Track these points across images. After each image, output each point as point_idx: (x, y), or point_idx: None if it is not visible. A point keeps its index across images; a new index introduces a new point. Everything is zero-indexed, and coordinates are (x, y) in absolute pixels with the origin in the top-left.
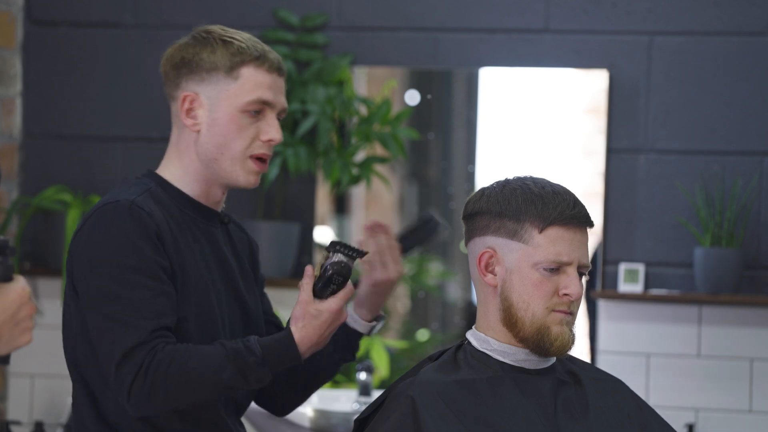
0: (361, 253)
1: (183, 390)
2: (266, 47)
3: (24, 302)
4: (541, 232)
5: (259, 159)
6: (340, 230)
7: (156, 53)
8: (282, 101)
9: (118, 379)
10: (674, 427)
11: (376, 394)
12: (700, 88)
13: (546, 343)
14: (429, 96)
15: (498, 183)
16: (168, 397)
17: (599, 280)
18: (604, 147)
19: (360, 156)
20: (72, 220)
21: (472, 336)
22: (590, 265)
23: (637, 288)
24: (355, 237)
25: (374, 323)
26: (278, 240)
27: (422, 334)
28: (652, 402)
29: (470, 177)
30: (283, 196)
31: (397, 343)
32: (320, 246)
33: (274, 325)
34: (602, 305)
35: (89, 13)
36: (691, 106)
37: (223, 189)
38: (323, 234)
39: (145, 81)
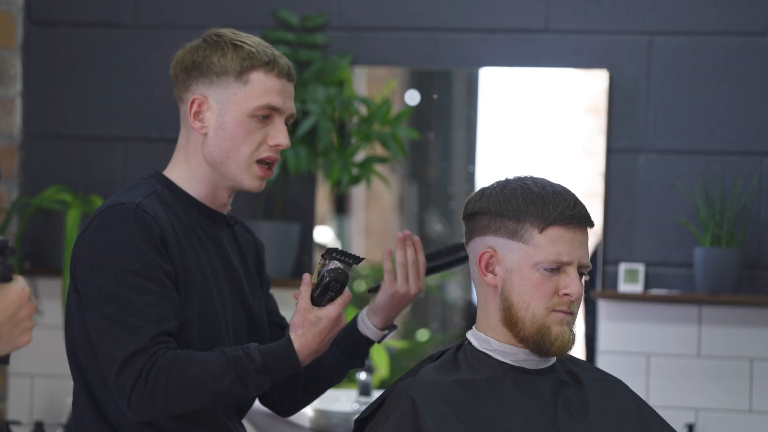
0: (358, 260)
1: (183, 396)
2: (276, 52)
3: (23, 302)
4: (541, 232)
5: (266, 164)
6: (340, 230)
7: (156, 53)
8: (290, 107)
9: (118, 384)
10: (674, 427)
11: (376, 394)
12: (700, 88)
13: (546, 343)
14: (435, 96)
15: (498, 183)
16: (168, 402)
17: (599, 280)
18: (604, 147)
19: (360, 156)
20: (72, 220)
21: (472, 336)
22: (590, 265)
23: (637, 288)
24: (355, 237)
25: (386, 332)
26: (278, 240)
27: (422, 334)
28: (652, 402)
29: (470, 177)
30: (283, 196)
31: (397, 343)
32: (320, 246)
33: (279, 326)
34: (602, 305)
35: (89, 13)
36: (691, 106)
37: (229, 192)
38: (323, 234)
39: (145, 81)
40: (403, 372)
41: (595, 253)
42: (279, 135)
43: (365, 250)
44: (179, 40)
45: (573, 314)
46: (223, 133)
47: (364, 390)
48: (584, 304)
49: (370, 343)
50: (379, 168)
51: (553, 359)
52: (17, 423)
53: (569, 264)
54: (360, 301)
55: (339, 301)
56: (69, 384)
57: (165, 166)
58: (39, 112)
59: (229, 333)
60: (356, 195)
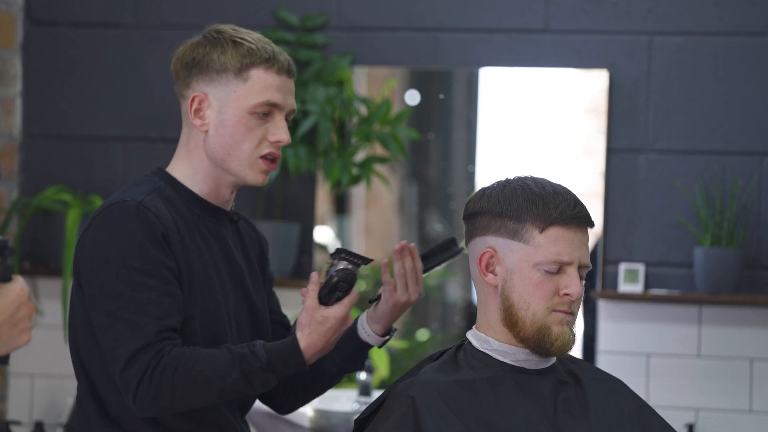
0: (366, 260)
1: (188, 393)
2: (276, 48)
3: (23, 302)
4: (541, 232)
5: (269, 159)
6: (340, 230)
7: (156, 53)
8: (291, 103)
9: (124, 381)
10: (674, 427)
11: (376, 394)
12: (700, 88)
13: (546, 343)
14: (441, 96)
15: (498, 183)
16: (173, 400)
17: (599, 280)
18: (604, 147)
19: (360, 156)
20: (72, 220)
21: (472, 336)
22: (590, 265)
23: (637, 288)
24: (355, 237)
25: (387, 337)
26: (278, 240)
27: (422, 334)
28: (652, 402)
29: (470, 177)
30: (283, 196)
31: (397, 343)
32: (320, 246)
33: (282, 324)
34: (602, 305)
35: (89, 13)
36: (691, 106)
37: (232, 188)
38: (323, 234)
39: (145, 81)
40: (403, 372)
41: (595, 253)
42: (279, 131)
43: (365, 250)
44: (179, 40)
45: (573, 314)
46: (223, 131)
47: (364, 390)
48: (584, 304)
49: (370, 347)
50: (379, 168)
51: (554, 359)
52: (17, 423)
53: (569, 264)
54: (363, 301)
55: (346, 301)
56: (69, 384)
57: (165, 166)
58: (39, 112)
59: (232, 329)
60: (356, 195)
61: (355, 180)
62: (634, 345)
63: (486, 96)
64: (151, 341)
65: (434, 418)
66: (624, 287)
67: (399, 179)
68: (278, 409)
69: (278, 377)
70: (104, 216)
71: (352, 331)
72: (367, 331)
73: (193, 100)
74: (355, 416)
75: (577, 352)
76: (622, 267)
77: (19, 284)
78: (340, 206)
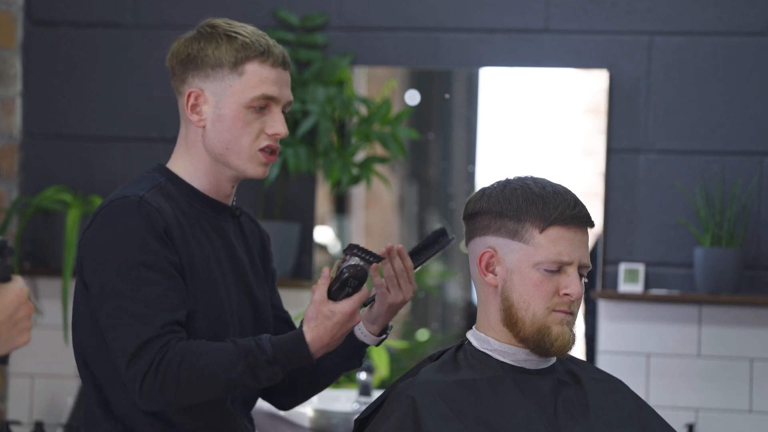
0: (378, 258)
1: (194, 387)
2: (271, 41)
3: (22, 302)
4: (541, 232)
5: (268, 151)
6: (340, 230)
7: (156, 53)
8: (287, 95)
9: (129, 374)
10: (674, 427)
11: (376, 394)
12: (700, 88)
13: (546, 343)
14: (447, 95)
15: (499, 183)
16: (179, 393)
17: (599, 280)
18: (604, 147)
19: (360, 156)
20: (72, 220)
21: (472, 336)
22: (590, 265)
23: (637, 288)
24: (355, 237)
25: (384, 336)
26: (278, 240)
27: (422, 334)
28: (652, 402)
29: (470, 177)
30: (283, 196)
31: (397, 343)
32: (320, 246)
33: (284, 320)
34: (602, 305)
35: (89, 13)
36: (691, 106)
37: (233, 182)
38: (323, 234)
39: (145, 81)
40: (403, 372)
41: (595, 253)
42: (277, 124)
43: None
44: None
45: (573, 314)
46: (221, 126)
47: (364, 390)
48: (584, 304)
49: (367, 346)
50: (379, 168)
51: (553, 359)
52: (17, 423)
53: (569, 264)
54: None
55: (355, 297)
56: (69, 384)
57: (165, 164)
58: (39, 112)
59: (234, 325)
60: (356, 195)
61: (355, 180)
62: (634, 345)
63: (486, 96)
64: (157, 335)
65: (434, 418)
66: (624, 287)
67: (399, 179)
68: (279, 405)
69: (284, 371)
70: (106, 212)
71: (349, 333)
72: (363, 332)
73: (189, 96)
74: (355, 416)
75: (578, 352)
76: (622, 267)
77: (18, 284)
78: (340, 206)
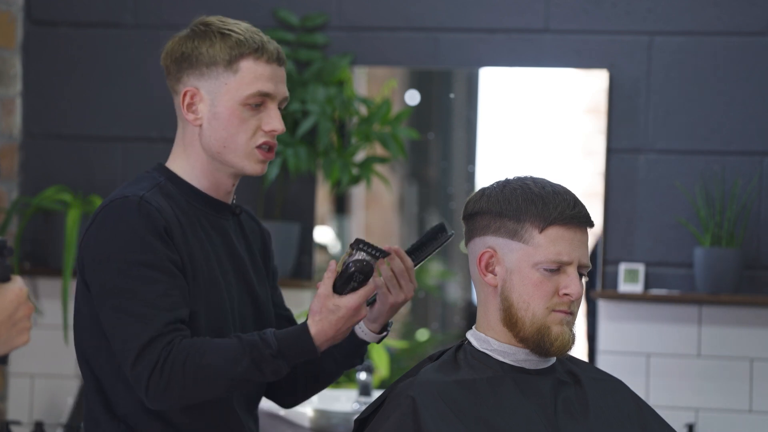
0: (384, 254)
1: (200, 383)
2: (265, 37)
3: (21, 302)
4: (541, 232)
5: (265, 148)
6: (340, 230)
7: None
8: (283, 91)
9: (135, 374)
10: (674, 427)
11: (376, 394)
12: (700, 88)
13: (546, 343)
14: (452, 95)
15: (498, 183)
16: (185, 390)
17: (599, 280)
18: (604, 147)
19: (360, 156)
20: (72, 220)
21: (472, 336)
22: (590, 265)
23: (637, 288)
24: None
25: (384, 333)
26: (278, 240)
27: (422, 334)
28: (652, 402)
29: (470, 177)
30: (283, 196)
31: (397, 343)
32: (320, 246)
33: (285, 318)
34: (602, 305)
35: (89, 13)
36: (691, 106)
37: (232, 179)
38: (323, 234)
39: (145, 81)
40: (403, 372)
41: (595, 253)
42: (273, 120)
43: None
44: None
45: (573, 314)
46: (217, 124)
47: (364, 390)
48: (584, 304)
49: (367, 344)
50: (379, 168)
51: (553, 359)
52: (17, 423)
53: (569, 264)
54: None
55: (361, 292)
56: (69, 384)
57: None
58: (39, 112)
59: (236, 323)
60: (356, 195)
61: (355, 180)
62: (634, 345)
63: (486, 96)
64: (161, 333)
65: (434, 418)
66: (624, 287)
67: (399, 179)
68: (281, 403)
69: (290, 364)
70: (106, 213)
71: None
72: (364, 330)
73: (185, 95)
74: (355, 416)
75: (581, 353)
76: (622, 267)
77: (17, 284)
78: (340, 206)
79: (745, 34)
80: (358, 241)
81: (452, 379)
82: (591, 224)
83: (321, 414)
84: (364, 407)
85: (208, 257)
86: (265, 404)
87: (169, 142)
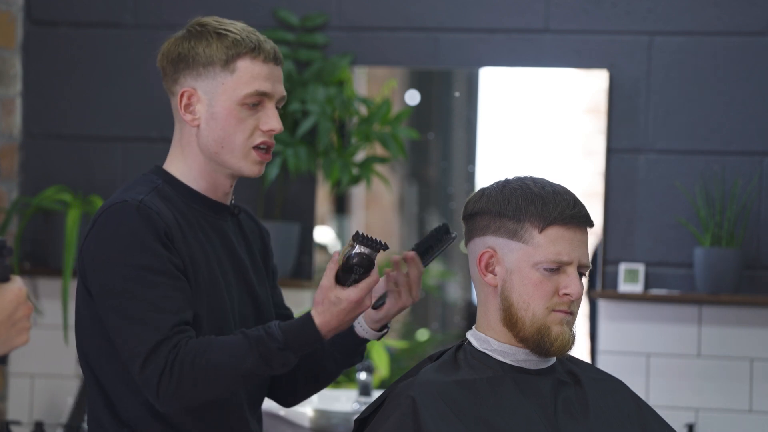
0: (384, 246)
1: (210, 382)
2: (261, 37)
3: (21, 302)
4: (541, 231)
5: (262, 149)
6: (340, 230)
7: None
8: (280, 90)
9: (144, 378)
10: (674, 427)
11: (376, 394)
12: (700, 88)
13: (546, 343)
14: (457, 93)
15: (498, 183)
16: (196, 390)
17: (599, 280)
18: (604, 147)
19: (360, 156)
20: (72, 220)
21: (472, 336)
22: (590, 264)
23: (637, 288)
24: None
25: (384, 331)
26: (278, 240)
27: (422, 334)
28: (652, 402)
29: (470, 177)
30: (283, 196)
31: (397, 343)
32: (320, 246)
33: (286, 318)
34: (602, 305)
35: (89, 13)
36: (691, 106)
37: (230, 180)
38: (323, 234)
39: (145, 81)
40: (403, 372)
41: (595, 253)
42: (271, 120)
43: None
44: None
45: (573, 314)
46: (214, 124)
47: (364, 390)
48: (586, 304)
49: (367, 341)
50: (379, 168)
51: (553, 359)
52: (17, 423)
53: (569, 264)
54: None
55: (362, 285)
56: (69, 384)
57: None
58: (39, 112)
59: (237, 324)
60: (356, 195)
61: (355, 180)
62: (634, 345)
63: (486, 96)
64: (167, 336)
65: (434, 418)
66: (624, 287)
67: (399, 179)
68: (282, 402)
69: (297, 355)
70: (105, 217)
71: (349, 329)
72: (364, 327)
73: (182, 95)
74: (355, 416)
75: (583, 353)
76: (622, 267)
77: (17, 284)
78: (340, 206)
79: (745, 34)
80: (357, 235)
81: (452, 379)
82: (591, 224)
83: (321, 414)
84: (364, 407)
85: (209, 259)
86: (266, 404)
87: (168, 142)
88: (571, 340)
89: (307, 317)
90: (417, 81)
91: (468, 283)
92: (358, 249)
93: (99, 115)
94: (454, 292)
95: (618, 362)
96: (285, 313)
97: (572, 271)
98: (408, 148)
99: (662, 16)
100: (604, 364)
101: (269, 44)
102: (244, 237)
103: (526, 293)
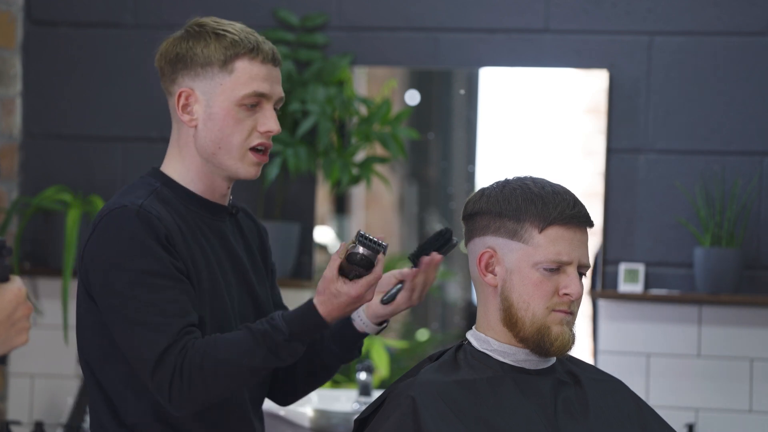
0: (384, 249)
1: (220, 382)
2: (260, 38)
3: (20, 302)
4: (541, 231)
5: (259, 150)
6: (340, 230)
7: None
8: (278, 91)
9: (155, 384)
10: (674, 427)
11: (376, 394)
12: (700, 88)
13: (546, 343)
14: (462, 91)
15: (498, 183)
16: (207, 390)
17: (599, 280)
18: (604, 147)
19: (360, 156)
20: (72, 220)
21: (472, 336)
22: (590, 264)
23: (637, 288)
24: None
25: (384, 324)
26: (278, 240)
27: (422, 334)
28: (652, 402)
29: (470, 177)
30: (283, 196)
31: (397, 343)
32: (320, 246)
33: None
34: (602, 305)
35: (89, 13)
36: (691, 106)
37: (227, 182)
38: (323, 234)
39: (145, 81)
40: (403, 372)
41: (595, 253)
42: (269, 121)
43: None
44: None
45: (573, 314)
46: (212, 125)
47: (364, 390)
48: (589, 305)
49: (365, 335)
50: (379, 168)
51: (553, 359)
52: (17, 423)
53: (569, 264)
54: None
55: (362, 282)
56: (69, 384)
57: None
58: (39, 112)
59: (237, 324)
60: (356, 195)
61: (355, 180)
62: (634, 345)
63: (486, 96)
64: (175, 340)
65: (434, 418)
66: (624, 287)
67: (399, 179)
68: (280, 401)
69: (304, 344)
70: (106, 222)
71: (348, 323)
72: (364, 321)
73: (179, 96)
74: (355, 416)
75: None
76: (622, 267)
77: (16, 284)
78: (340, 206)
79: (745, 34)
80: (359, 235)
81: (452, 380)
82: (591, 224)
83: (321, 414)
84: (364, 407)
85: (209, 262)
86: (265, 404)
87: (168, 142)
88: (571, 340)
89: (310, 305)
90: (417, 81)
91: (468, 283)
92: (358, 249)
93: (99, 115)
94: (454, 292)
95: (618, 362)
96: None
97: (572, 271)
98: (408, 148)
99: (662, 16)
100: (604, 364)
101: (268, 45)
102: (242, 237)
103: (526, 293)
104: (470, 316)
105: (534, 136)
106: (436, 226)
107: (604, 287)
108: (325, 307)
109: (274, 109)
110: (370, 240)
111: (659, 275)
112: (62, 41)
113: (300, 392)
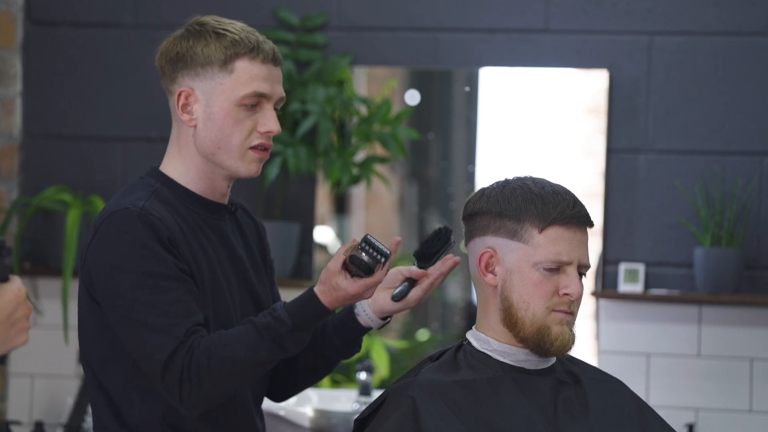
0: (386, 259)
1: (228, 378)
2: (260, 37)
3: (20, 302)
4: (541, 231)
5: (260, 149)
6: (340, 230)
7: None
8: (279, 91)
9: (165, 386)
10: (674, 427)
11: (376, 394)
12: (700, 88)
13: (546, 343)
14: (467, 88)
15: (498, 183)
16: (217, 387)
17: (599, 280)
18: (604, 147)
19: (360, 156)
20: (72, 220)
21: (472, 336)
22: (590, 264)
23: (637, 288)
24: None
25: (388, 319)
26: (278, 240)
27: (422, 334)
28: (652, 402)
29: (470, 177)
30: (283, 196)
31: (397, 343)
32: (320, 246)
33: None
34: (602, 305)
35: (89, 13)
36: (691, 106)
37: (227, 182)
38: (323, 234)
39: (145, 81)
40: (403, 372)
41: (595, 254)
42: (269, 121)
43: None
44: None
45: (573, 314)
46: (212, 124)
47: (364, 390)
48: (592, 305)
49: (368, 330)
50: (379, 168)
51: (553, 359)
52: (17, 423)
53: (569, 264)
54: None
55: (362, 282)
56: (69, 384)
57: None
58: (39, 112)
59: (238, 323)
60: (356, 195)
61: (355, 180)
62: (634, 345)
63: (486, 96)
64: (182, 341)
65: (434, 418)
66: (624, 287)
67: (399, 179)
68: (274, 396)
69: (309, 333)
70: (108, 225)
71: (352, 318)
72: (369, 315)
73: (179, 95)
74: (355, 416)
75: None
76: (622, 267)
77: (16, 284)
78: (340, 206)
79: (745, 34)
80: (365, 240)
81: (452, 380)
82: (591, 224)
83: (321, 414)
84: (364, 407)
85: (210, 261)
86: (265, 404)
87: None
88: (571, 340)
89: (311, 294)
90: (417, 81)
91: (468, 283)
92: (360, 254)
93: (99, 115)
94: (454, 292)
95: (618, 362)
96: None
97: (572, 271)
98: (408, 148)
99: (662, 16)
100: (604, 364)
101: (268, 44)
102: (242, 235)
103: (526, 293)
104: (470, 316)
105: (534, 136)
106: (435, 226)
107: (604, 287)
108: (325, 297)
109: (275, 109)
110: (374, 247)
111: (659, 275)
112: (62, 41)
113: (298, 388)
